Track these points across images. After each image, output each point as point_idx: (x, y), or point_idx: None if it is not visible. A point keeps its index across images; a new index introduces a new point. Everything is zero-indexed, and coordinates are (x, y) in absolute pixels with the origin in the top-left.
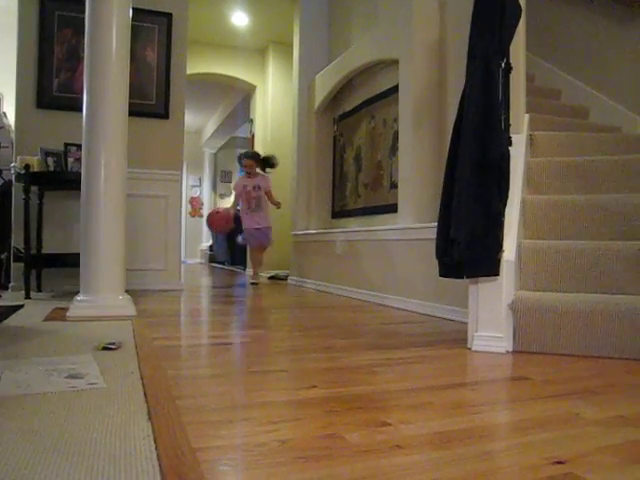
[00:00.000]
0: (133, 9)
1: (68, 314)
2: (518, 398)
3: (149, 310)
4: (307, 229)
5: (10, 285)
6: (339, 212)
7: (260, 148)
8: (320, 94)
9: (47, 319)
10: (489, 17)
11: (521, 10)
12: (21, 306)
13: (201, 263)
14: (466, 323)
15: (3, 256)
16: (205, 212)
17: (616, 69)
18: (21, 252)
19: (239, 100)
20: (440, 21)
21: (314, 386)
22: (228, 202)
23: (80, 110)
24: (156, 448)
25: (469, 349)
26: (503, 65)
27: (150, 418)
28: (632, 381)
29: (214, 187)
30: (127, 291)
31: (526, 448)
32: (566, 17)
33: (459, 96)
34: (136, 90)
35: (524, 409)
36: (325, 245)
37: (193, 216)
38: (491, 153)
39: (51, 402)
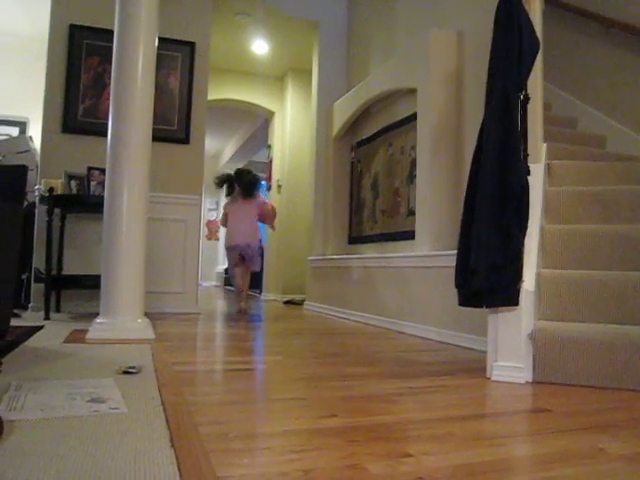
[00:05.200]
0: (158, 38)
1: (88, 336)
2: (540, 431)
3: (167, 334)
4: (324, 255)
5: (30, 305)
6: (356, 238)
7: (278, 173)
8: (338, 121)
9: (67, 341)
10: (507, 51)
11: (539, 44)
12: (41, 327)
13: (216, 286)
14: (484, 352)
15: (24, 276)
16: (222, 235)
17: (633, 98)
18: (42, 273)
19: (258, 125)
20: (458, 51)
21: (334, 415)
22: None
23: (103, 135)
24: (180, 476)
25: (488, 379)
26: (521, 97)
27: (173, 445)
28: None
29: None
30: (145, 314)
31: None
32: (583, 46)
33: (477, 124)
34: (158, 116)
35: (546, 442)
36: (342, 271)
37: (210, 239)
38: (511, 184)
39: (75, 426)
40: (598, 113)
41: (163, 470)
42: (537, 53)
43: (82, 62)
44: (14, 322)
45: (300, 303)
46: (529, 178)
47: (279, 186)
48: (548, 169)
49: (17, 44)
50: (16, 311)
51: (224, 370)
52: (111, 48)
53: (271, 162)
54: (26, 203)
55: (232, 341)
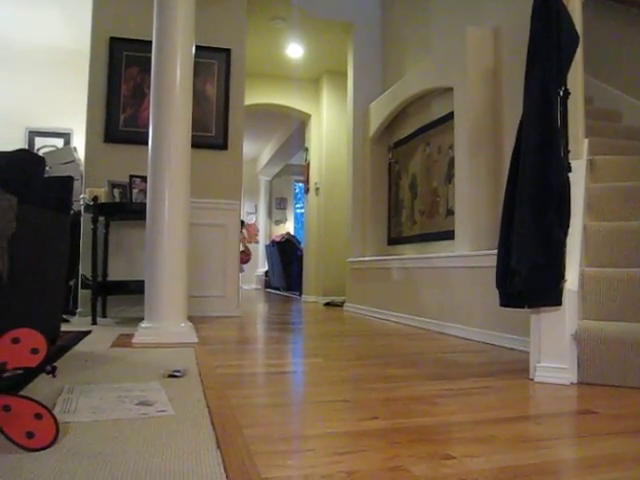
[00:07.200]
0: (195, 46)
1: (133, 340)
2: (586, 433)
3: (209, 337)
4: (363, 256)
5: (77, 311)
6: (395, 239)
7: (315, 176)
8: (375, 122)
9: (114, 345)
10: (546, 46)
11: (578, 38)
12: (89, 332)
13: (257, 289)
14: (527, 352)
15: (71, 283)
16: (261, 239)
17: None
18: (88, 279)
19: (294, 129)
20: (494, 48)
21: (376, 417)
22: (284, 229)
23: (144, 143)
24: (227, 476)
25: (531, 380)
26: (561, 93)
27: (219, 447)
28: None
29: (269, 214)
30: (188, 317)
31: None
32: (624, 38)
33: (516, 122)
34: (196, 123)
35: (593, 445)
36: (381, 272)
37: (249, 242)
38: (552, 181)
39: (125, 428)
40: None
41: (210, 470)
42: (576, 47)
43: (122, 73)
44: (63, 327)
45: (340, 305)
46: (570, 175)
47: (317, 189)
48: (590, 165)
49: (61, 58)
50: (65, 316)
51: (266, 373)
52: (149, 58)
53: (308, 165)
54: (72, 212)
55: (273, 344)
